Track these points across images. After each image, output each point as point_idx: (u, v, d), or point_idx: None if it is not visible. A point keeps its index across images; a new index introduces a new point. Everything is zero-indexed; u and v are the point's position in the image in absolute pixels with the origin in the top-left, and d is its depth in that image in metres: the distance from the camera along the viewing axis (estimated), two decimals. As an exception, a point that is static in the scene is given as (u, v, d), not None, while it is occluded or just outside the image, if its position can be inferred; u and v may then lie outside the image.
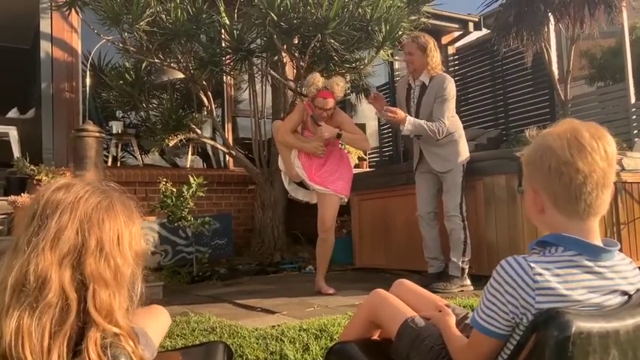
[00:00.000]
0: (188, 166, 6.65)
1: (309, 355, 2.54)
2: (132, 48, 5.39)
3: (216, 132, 6.68)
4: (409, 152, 4.34)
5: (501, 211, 4.08)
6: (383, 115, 3.97)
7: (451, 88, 3.89)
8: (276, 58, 5.56)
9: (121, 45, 5.41)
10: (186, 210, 4.84)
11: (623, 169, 4.22)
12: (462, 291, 3.80)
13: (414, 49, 3.91)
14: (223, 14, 5.17)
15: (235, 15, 5.36)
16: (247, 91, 6.56)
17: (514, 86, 8.59)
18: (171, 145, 5.68)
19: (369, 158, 8.07)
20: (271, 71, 5.64)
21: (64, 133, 5.78)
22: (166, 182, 4.92)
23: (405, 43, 4.11)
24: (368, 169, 6.98)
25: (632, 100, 7.44)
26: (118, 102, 5.77)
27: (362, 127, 6.36)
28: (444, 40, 9.05)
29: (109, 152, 6.23)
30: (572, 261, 1.23)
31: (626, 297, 1.27)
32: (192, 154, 6.79)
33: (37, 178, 4.48)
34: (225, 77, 6.63)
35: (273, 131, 4.44)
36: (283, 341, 2.61)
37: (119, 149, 6.61)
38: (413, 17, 5.66)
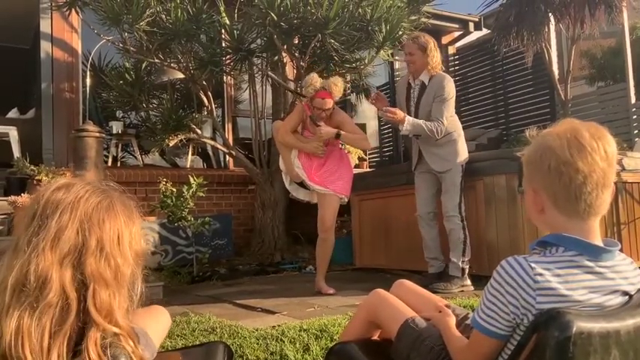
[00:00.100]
0: (188, 166, 6.65)
1: (309, 355, 2.53)
2: (132, 48, 5.39)
3: (216, 132, 6.68)
4: (409, 152, 4.34)
5: (502, 211, 4.08)
6: (383, 115, 3.98)
7: (450, 87, 3.89)
8: (276, 58, 5.56)
9: (121, 45, 5.42)
10: (187, 210, 4.85)
11: (623, 169, 4.23)
12: (463, 291, 3.79)
13: (415, 50, 3.91)
14: (223, 14, 5.17)
15: (235, 15, 5.36)
16: (247, 91, 6.57)
17: (514, 86, 8.60)
18: (171, 145, 5.68)
19: (369, 158, 8.07)
20: (269, 73, 5.64)
21: (64, 134, 5.78)
22: (166, 182, 4.92)
23: (406, 44, 4.12)
24: (368, 169, 6.98)
25: (633, 100, 7.44)
26: (118, 102, 5.78)
27: (362, 127, 6.35)
28: (445, 40, 9.05)
29: (109, 152, 6.23)
30: (572, 261, 1.23)
31: (627, 297, 1.27)
32: (193, 154, 6.79)
33: (37, 178, 4.49)
34: (225, 77, 6.64)
35: (273, 131, 4.44)
36: (283, 341, 2.61)
37: (119, 149, 6.61)
38: (413, 17, 5.67)
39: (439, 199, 4.01)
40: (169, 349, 2.38)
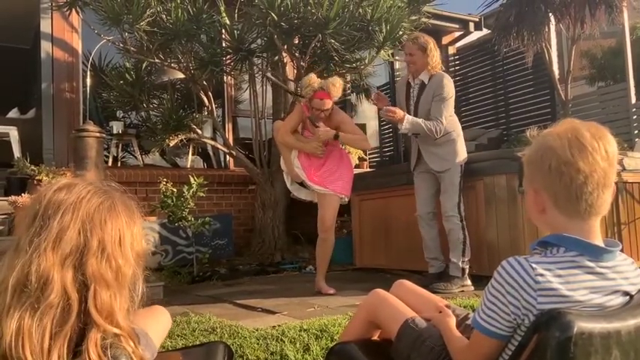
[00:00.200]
0: (188, 166, 6.65)
1: (309, 355, 2.53)
2: (132, 48, 5.39)
3: (216, 132, 6.68)
4: (410, 152, 4.34)
5: (502, 211, 4.08)
6: (383, 114, 3.98)
7: (449, 87, 3.90)
8: (276, 58, 5.56)
9: (121, 45, 5.42)
10: (187, 210, 4.85)
11: (624, 169, 4.22)
12: (463, 291, 3.79)
13: (415, 50, 3.92)
14: (224, 14, 5.17)
15: (236, 15, 5.36)
16: (248, 91, 6.57)
17: (515, 86, 8.60)
18: (171, 145, 5.69)
19: (369, 158, 8.07)
20: (269, 74, 5.64)
21: (64, 134, 5.78)
22: (167, 182, 4.93)
23: (406, 44, 4.12)
24: (368, 169, 6.98)
25: (633, 100, 7.45)
26: (118, 102, 5.77)
27: (362, 127, 6.36)
28: (445, 40, 9.05)
29: (109, 152, 6.23)
30: (573, 262, 1.23)
31: (628, 297, 1.27)
32: (193, 154, 6.79)
33: (37, 178, 4.49)
34: (225, 77, 6.64)
35: (273, 131, 4.44)
36: (284, 341, 2.61)
37: (119, 149, 6.62)
38: (413, 17, 5.66)
39: (439, 199, 4.01)
40: (169, 349, 2.38)
